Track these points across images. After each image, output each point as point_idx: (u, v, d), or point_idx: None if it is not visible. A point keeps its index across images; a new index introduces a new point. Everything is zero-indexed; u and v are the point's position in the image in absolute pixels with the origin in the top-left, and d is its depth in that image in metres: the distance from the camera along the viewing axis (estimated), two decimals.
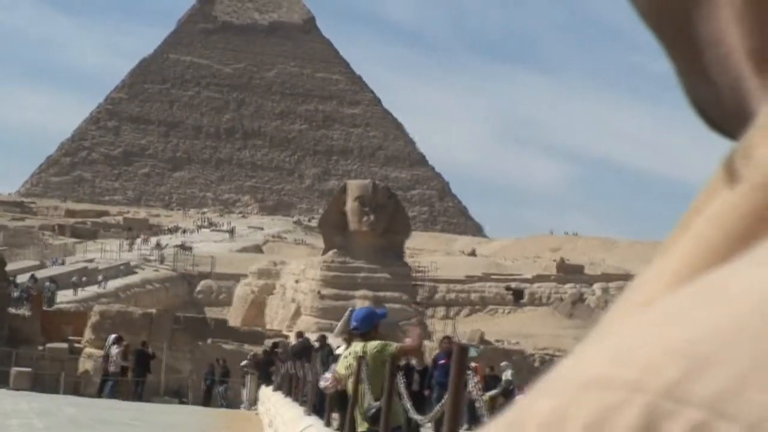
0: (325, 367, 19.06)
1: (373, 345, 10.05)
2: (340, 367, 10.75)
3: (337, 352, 18.52)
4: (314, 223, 63.07)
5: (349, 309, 13.72)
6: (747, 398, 0.26)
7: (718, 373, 0.27)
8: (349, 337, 13.08)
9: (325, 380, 14.23)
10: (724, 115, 0.42)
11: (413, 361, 16.22)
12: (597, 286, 65.14)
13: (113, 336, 38.73)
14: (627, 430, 0.28)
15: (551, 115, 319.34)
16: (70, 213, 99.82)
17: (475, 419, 17.74)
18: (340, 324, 14.47)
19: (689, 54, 0.42)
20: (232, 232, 67.05)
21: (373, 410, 9.94)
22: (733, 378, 0.27)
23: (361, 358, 9.93)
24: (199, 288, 69.90)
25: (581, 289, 63.73)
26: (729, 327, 0.28)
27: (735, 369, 0.27)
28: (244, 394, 37.10)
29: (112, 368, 35.27)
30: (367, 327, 10.36)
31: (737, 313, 0.28)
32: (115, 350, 37.59)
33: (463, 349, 7.27)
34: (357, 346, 10.33)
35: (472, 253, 75.36)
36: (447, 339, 23.33)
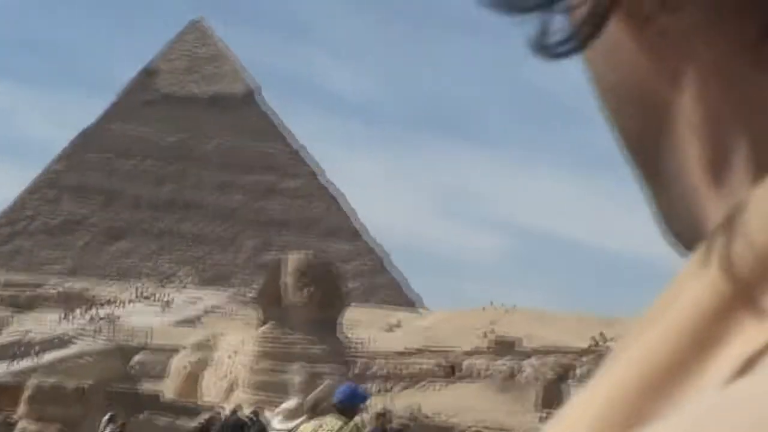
0: None
1: (352, 426, 9.93)
2: (310, 430, 10.52)
3: (275, 425, 17.86)
4: (252, 295, 63.63)
5: (326, 382, 13.78)
6: None
7: None
8: (311, 414, 12.66)
9: None
10: (682, 230, 0.44)
11: None
12: (531, 361, 65.88)
13: (108, 415, 36.24)
14: None
15: (493, 187, 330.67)
16: (7, 284, 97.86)
17: None
18: (312, 397, 13.73)
19: (657, 179, 0.44)
20: (167, 304, 67.01)
21: None
22: None
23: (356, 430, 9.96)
24: (134, 360, 69.73)
25: (516, 363, 64.66)
26: None
27: None
28: None
29: None
30: (350, 405, 10.11)
31: None
32: (110, 430, 35.87)
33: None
34: (334, 424, 9.98)
35: (398, 325, 76.08)
36: (380, 415, 23.41)
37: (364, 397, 10.75)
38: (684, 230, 0.44)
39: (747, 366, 0.32)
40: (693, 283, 0.35)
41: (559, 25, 0.42)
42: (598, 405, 0.36)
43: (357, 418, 10.31)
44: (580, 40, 0.41)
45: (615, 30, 0.41)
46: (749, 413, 0.29)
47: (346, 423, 9.93)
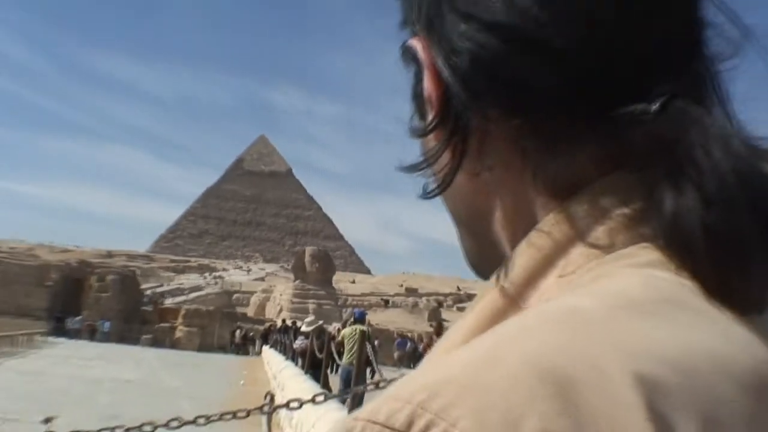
0: (294, 337, 24.22)
1: (362, 328, 12.84)
2: (349, 333, 13.73)
3: (303, 328, 21.66)
4: (289, 267, 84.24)
5: (351, 310, 18.99)
6: (458, 407, 0.36)
7: (444, 396, 0.37)
8: (344, 325, 16.20)
9: (297, 344, 19.65)
10: (485, 269, 0.60)
11: None
12: (423, 299, 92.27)
13: (236, 327, 52.36)
14: (400, 424, 0.38)
15: (414, 216, 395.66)
16: (171, 261, 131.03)
17: None
18: (345, 317, 21.23)
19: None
20: (248, 271, 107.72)
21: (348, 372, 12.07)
22: (451, 400, 0.37)
23: (363, 333, 11.88)
24: (233, 298, 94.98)
25: (417, 299, 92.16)
26: (460, 371, 0.38)
27: (453, 394, 0.37)
28: (255, 349, 45.84)
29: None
30: (361, 319, 14.23)
31: (466, 363, 0.39)
32: (238, 334, 50.47)
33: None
34: (357, 327, 13.08)
35: (356, 282, 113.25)
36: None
37: (364, 315, 14.44)
38: (486, 269, 0.59)
39: None
40: (491, 291, 0.52)
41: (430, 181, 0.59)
42: (465, 330, 0.51)
43: (364, 326, 13.27)
44: (440, 189, 0.57)
45: (458, 179, 0.57)
46: (501, 328, 0.43)
47: (360, 328, 12.77)
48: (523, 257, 0.51)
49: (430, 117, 0.55)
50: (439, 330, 12.81)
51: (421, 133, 0.56)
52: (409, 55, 0.57)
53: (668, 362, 0.37)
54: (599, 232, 0.48)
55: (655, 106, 0.48)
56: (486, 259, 0.59)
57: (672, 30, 0.51)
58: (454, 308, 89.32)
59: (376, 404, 0.40)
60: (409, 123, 0.59)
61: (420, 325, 67.51)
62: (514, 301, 0.50)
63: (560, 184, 0.51)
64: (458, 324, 0.52)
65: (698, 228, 0.44)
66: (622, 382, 0.36)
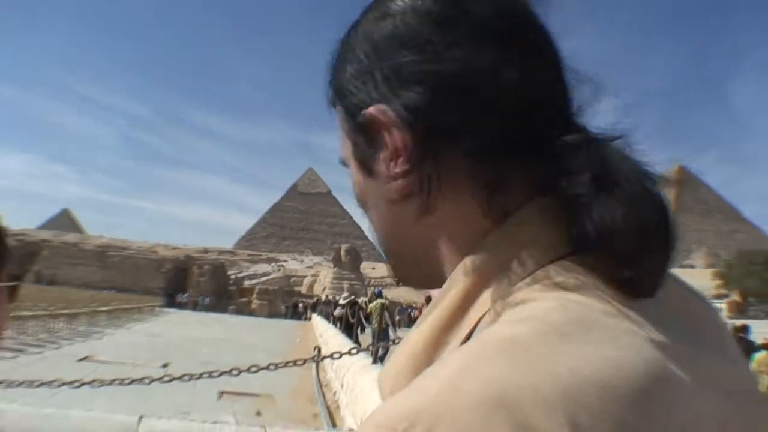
0: (334, 308, 23.18)
1: (381, 301, 11.98)
2: (374, 306, 12.30)
3: (341, 301, 19.99)
4: (330, 258, 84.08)
5: (375, 288, 15.78)
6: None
7: (422, 424, 0.34)
8: (371, 298, 14.86)
9: (336, 313, 19.36)
10: (415, 281, 0.53)
11: None
12: None
13: (293, 302, 50.37)
14: None
15: None
16: (250, 254, 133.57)
17: None
18: (369, 294, 17.94)
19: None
20: (302, 261, 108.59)
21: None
22: (427, 428, 0.34)
23: (382, 305, 11.29)
24: (291, 280, 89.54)
25: None
26: (432, 399, 0.35)
27: (428, 423, 0.34)
28: (306, 316, 43.89)
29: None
30: (381, 295, 13.02)
31: (436, 390, 0.35)
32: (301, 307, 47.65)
33: None
34: (378, 302, 12.01)
35: (373, 268, 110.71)
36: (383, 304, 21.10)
37: (381, 292, 13.35)
38: (416, 281, 0.52)
39: (473, 331, 0.43)
40: (453, 288, 0.45)
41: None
42: (412, 344, 0.45)
43: (383, 300, 12.09)
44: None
45: (404, 207, 0.49)
46: (474, 344, 0.39)
47: (381, 302, 11.89)
48: (455, 284, 0.45)
49: (397, 163, 0.48)
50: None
51: (392, 177, 0.49)
52: (368, 122, 0.49)
53: (586, 380, 0.35)
54: (519, 257, 0.44)
55: (572, 138, 0.45)
56: (413, 275, 0.53)
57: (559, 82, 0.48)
58: None
59: (366, 430, 0.36)
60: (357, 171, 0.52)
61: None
62: (455, 320, 0.44)
63: (495, 213, 0.46)
64: (413, 334, 0.47)
65: (611, 229, 0.42)
66: (554, 402, 0.34)
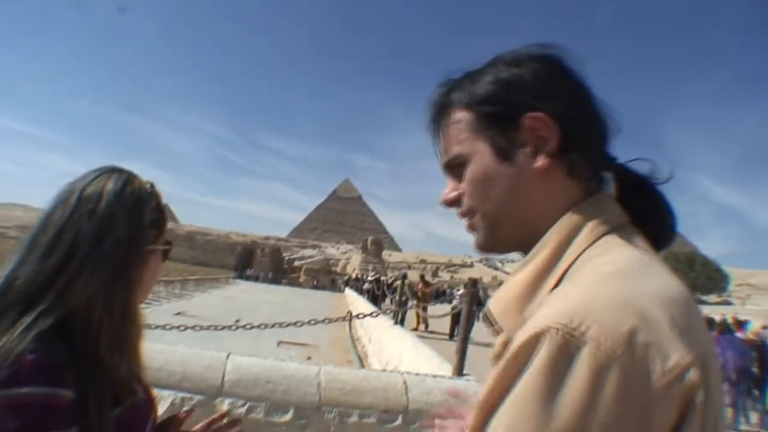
0: (362, 283, 22.55)
1: (405, 280, 11.38)
2: (399, 283, 11.32)
3: (368, 279, 19.93)
4: (359, 248, 79.45)
5: (402, 272, 15.41)
6: (594, 327, 0.38)
7: (582, 315, 0.38)
8: (396, 278, 15.24)
9: (365, 287, 18.72)
10: (510, 244, 0.55)
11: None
12: (430, 265, 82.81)
13: (324, 283, 48.20)
14: (554, 345, 0.38)
15: (427, 219, 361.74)
16: (299, 240, 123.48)
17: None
18: (398, 275, 17.38)
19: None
20: (337, 248, 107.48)
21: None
22: (588, 323, 0.39)
23: (403, 283, 10.95)
24: (329, 263, 79.46)
25: (426, 266, 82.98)
26: (581, 301, 0.41)
27: (590, 317, 0.38)
28: (341, 289, 38.43)
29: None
30: (404, 276, 12.12)
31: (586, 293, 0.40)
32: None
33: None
34: (403, 280, 11.52)
35: (390, 255, 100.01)
36: (404, 278, 16.08)
37: (406, 275, 12.72)
38: (507, 243, 0.54)
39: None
40: (554, 237, 0.51)
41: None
42: (519, 282, 0.51)
43: (406, 279, 11.56)
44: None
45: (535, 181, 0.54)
46: (582, 278, 0.44)
47: (404, 281, 11.31)
48: (555, 235, 0.50)
49: (542, 151, 0.53)
50: (422, 279, 12.68)
51: (540, 160, 0.53)
52: (528, 122, 0.53)
53: (663, 292, 0.43)
54: (599, 220, 0.50)
55: (621, 162, 0.56)
56: (510, 237, 0.54)
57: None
58: (445, 271, 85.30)
59: (550, 316, 0.41)
60: (497, 156, 0.53)
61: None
62: (553, 262, 0.49)
63: (585, 193, 0.53)
64: (517, 275, 0.50)
65: (650, 212, 0.52)
66: (655, 303, 0.41)
